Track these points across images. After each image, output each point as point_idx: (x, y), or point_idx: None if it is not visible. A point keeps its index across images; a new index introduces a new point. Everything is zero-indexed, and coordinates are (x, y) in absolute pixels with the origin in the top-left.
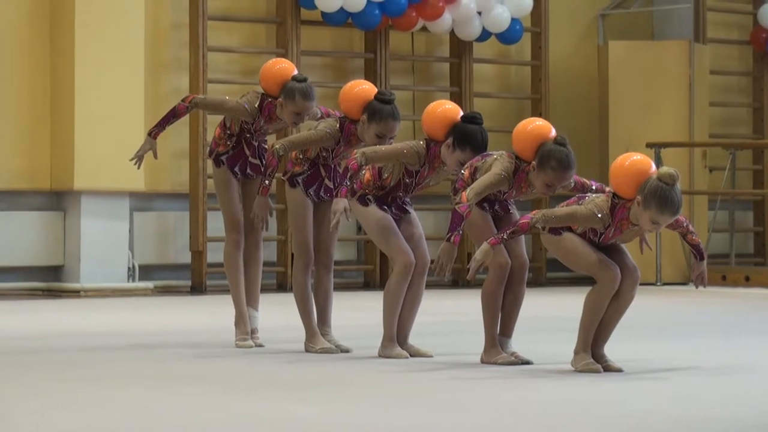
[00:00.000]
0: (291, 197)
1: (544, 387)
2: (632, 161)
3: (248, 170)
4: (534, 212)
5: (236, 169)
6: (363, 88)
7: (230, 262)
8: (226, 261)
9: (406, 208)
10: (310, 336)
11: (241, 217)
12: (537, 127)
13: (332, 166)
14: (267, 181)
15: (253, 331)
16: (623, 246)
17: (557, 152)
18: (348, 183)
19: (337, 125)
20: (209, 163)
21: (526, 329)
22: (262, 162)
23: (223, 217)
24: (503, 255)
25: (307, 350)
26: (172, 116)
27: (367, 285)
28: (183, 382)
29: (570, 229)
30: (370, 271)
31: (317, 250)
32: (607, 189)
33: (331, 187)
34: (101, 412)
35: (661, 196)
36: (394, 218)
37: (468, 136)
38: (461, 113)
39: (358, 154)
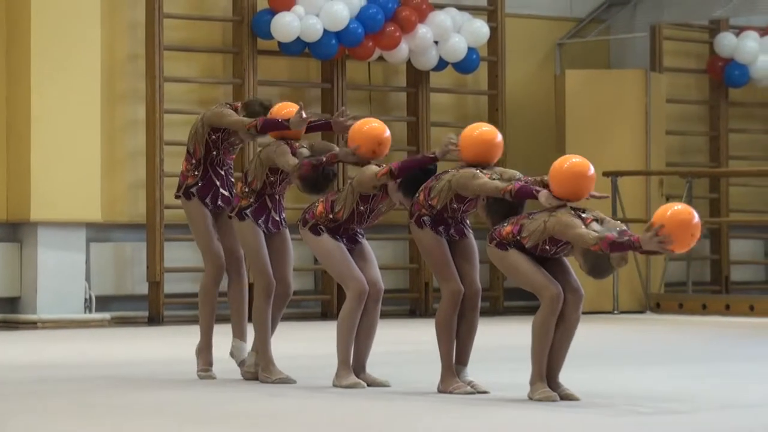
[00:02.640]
0: (241, 229)
1: (501, 416)
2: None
3: (219, 201)
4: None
5: (207, 200)
6: (373, 126)
7: (206, 295)
8: (201, 293)
9: (357, 238)
10: (264, 366)
11: (220, 248)
12: (574, 164)
13: (278, 198)
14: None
15: (242, 363)
16: (568, 265)
17: None
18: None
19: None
20: (166, 193)
21: (484, 358)
22: (231, 193)
23: (200, 250)
24: (456, 282)
25: (262, 381)
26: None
27: (325, 315)
28: (139, 413)
29: (517, 246)
30: (327, 301)
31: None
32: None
33: (278, 219)
34: None
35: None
36: (347, 249)
37: (413, 185)
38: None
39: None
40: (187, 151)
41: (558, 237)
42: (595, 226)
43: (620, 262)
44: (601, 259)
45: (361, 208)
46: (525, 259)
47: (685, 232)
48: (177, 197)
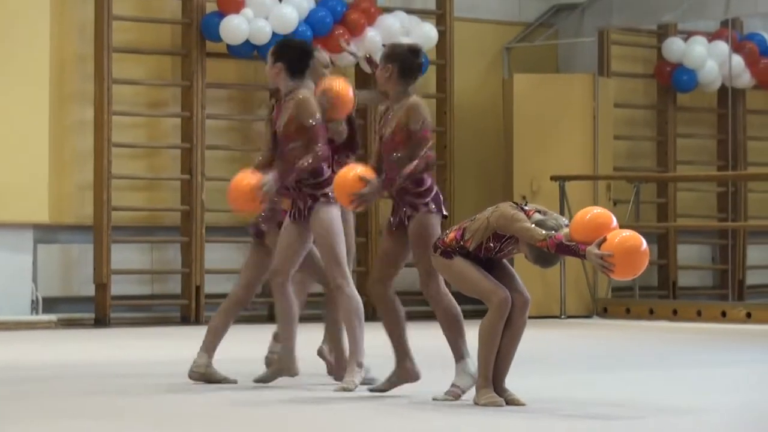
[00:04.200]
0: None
1: (443, 421)
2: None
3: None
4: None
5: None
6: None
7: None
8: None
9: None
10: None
11: None
12: (596, 216)
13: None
14: None
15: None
16: (513, 271)
17: None
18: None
19: None
20: (114, 195)
21: (438, 364)
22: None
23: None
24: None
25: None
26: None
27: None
28: (84, 416)
29: (461, 252)
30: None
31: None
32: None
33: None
34: None
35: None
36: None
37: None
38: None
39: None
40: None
41: (502, 231)
42: (537, 216)
43: None
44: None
45: (491, 244)
46: (471, 265)
47: (629, 268)
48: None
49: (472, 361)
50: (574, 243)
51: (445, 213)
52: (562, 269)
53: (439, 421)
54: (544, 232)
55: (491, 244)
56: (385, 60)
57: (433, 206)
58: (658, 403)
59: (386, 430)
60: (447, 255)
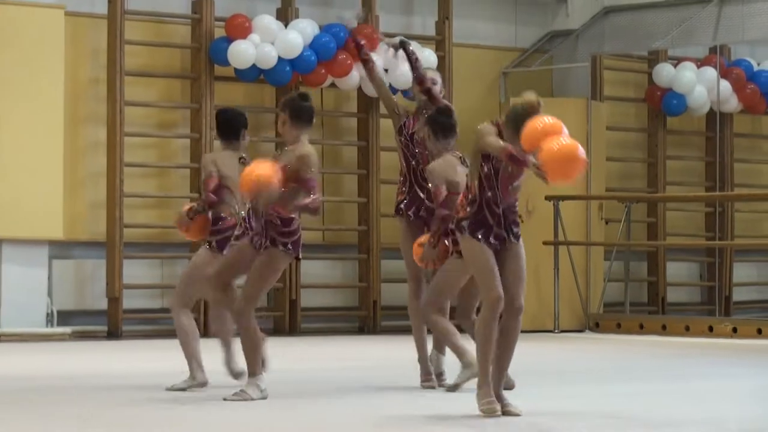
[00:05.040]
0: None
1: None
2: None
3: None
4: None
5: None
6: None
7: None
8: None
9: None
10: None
11: None
12: (544, 126)
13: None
14: None
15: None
16: (523, 276)
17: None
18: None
19: None
20: (126, 213)
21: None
22: None
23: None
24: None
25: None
26: None
27: (278, 332)
28: (96, 424)
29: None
30: (280, 318)
31: None
32: None
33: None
34: None
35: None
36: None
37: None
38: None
39: None
40: None
41: (479, 148)
42: None
43: None
44: None
45: (486, 170)
46: (487, 253)
47: (561, 174)
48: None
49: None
50: (522, 157)
51: (299, 257)
52: (556, 286)
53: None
54: (502, 143)
55: (486, 169)
56: (280, 108)
57: (290, 248)
58: (646, 415)
59: None
60: (460, 229)
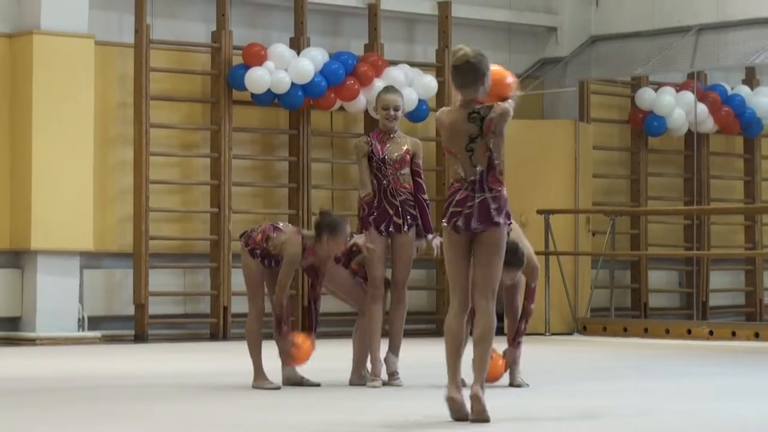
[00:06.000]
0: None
1: None
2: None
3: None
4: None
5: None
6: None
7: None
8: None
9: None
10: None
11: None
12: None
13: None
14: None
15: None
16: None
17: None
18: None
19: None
20: (151, 226)
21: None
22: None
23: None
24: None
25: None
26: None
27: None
28: (124, 420)
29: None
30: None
31: None
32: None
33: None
34: None
35: None
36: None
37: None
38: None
39: None
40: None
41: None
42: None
43: None
44: None
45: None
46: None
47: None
48: None
49: None
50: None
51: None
52: (547, 293)
53: None
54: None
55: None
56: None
57: None
58: (629, 409)
59: None
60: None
